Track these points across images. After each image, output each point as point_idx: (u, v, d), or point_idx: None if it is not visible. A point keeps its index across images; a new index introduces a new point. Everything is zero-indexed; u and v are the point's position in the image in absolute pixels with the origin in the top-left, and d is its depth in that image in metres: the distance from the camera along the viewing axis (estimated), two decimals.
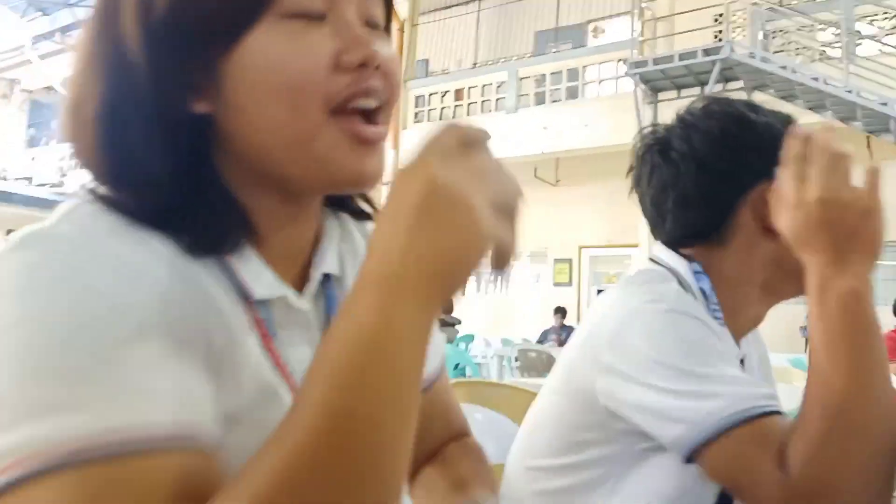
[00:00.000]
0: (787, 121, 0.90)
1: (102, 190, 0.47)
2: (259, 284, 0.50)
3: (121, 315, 0.40)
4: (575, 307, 9.95)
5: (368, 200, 0.62)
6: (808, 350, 1.19)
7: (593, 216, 9.53)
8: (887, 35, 7.93)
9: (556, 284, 10.27)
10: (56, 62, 15.01)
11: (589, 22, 11.39)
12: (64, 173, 15.01)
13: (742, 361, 0.96)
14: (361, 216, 0.62)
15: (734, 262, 0.90)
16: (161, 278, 0.43)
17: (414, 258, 0.39)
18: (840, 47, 7.14)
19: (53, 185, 14.67)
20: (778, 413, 0.77)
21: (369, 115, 0.49)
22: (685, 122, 0.94)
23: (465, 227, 0.40)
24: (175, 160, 0.47)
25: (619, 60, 8.16)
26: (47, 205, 13.56)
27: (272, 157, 0.48)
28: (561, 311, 8.99)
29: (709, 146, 0.90)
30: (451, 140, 0.42)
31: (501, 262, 0.42)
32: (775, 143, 0.81)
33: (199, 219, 0.47)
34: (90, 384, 0.38)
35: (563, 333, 8.66)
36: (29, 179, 14.79)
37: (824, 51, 7.91)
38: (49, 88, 16.52)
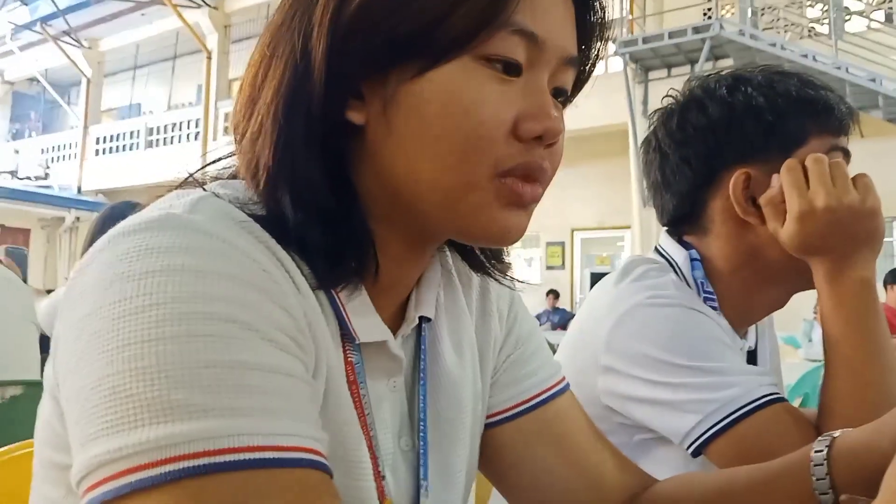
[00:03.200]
0: (772, 89, 0.85)
1: (230, 188, 0.46)
2: (362, 326, 0.49)
3: (265, 324, 0.39)
4: (568, 290, 9.96)
5: (495, 254, 0.60)
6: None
7: (585, 198, 9.52)
8: (875, 11, 7.90)
9: (549, 268, 10.28)
10: (37, 53, 14.82)
11: None
12: (47, 167, 14.87)
13: (754, 353, 0.95)
14: (477, 266, 0.60)
15: (719, 251, 0.88)
16: (291, 297, 0.42)
17: None
18: (828, 23, 7.12)
19: (38, 178, 14.54)
20: (785, 400, 0.77)
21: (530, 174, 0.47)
22: (662, 108, 0.94)
23: None
24: (323, 168, 0.45)
25: (609, 39, 8.13)
26: (32, 198, 13.46)
27: (415, 194, 0.46)
28: (553, 294, 9.00)
29: (665, 135, 0.91)
30: None
31: None
32: (735, 127, 0.84)
33: (331, 242, 0.45)
34: (228, 389, 0.36)
35: (555, 316, 8.68)
36: (13, 173, 14.64)
37: (813, 27, 7.89)
38: (31, 80, 16.33)
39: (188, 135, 13.04)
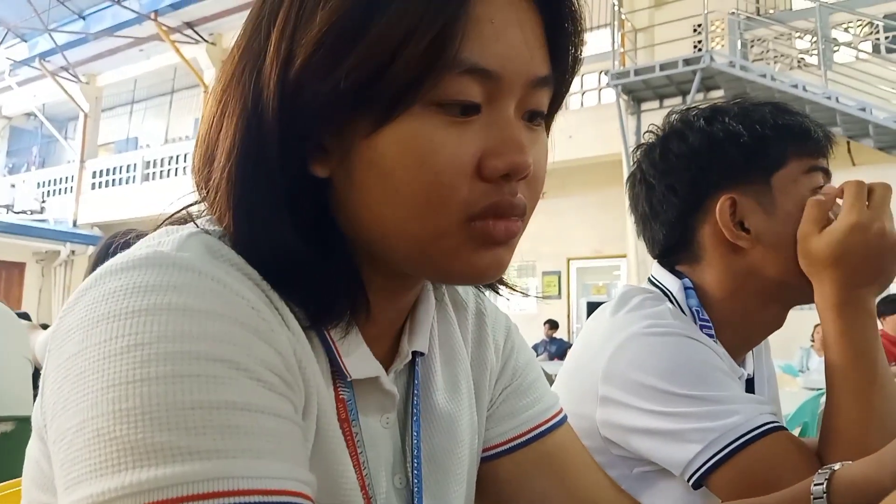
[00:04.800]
0: (752, 117, 0.87)
1: (217, 226, 0.45)
2: (354, 363, 0.48)
3: (253, 363, 0.38)
4: (565, 319, 9.93)
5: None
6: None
7: (580, 227, 9.54)
8: (862, 42, 8.03)
9: (545, 297, 10.25)
10: (35, 88, 14.92)
11: None
12: (43, 200, 14.87)
13: (751, 380, 0.94)
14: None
15: (713, 279, 0.88)
16: (280, 335, 0.41)
17: None
18: (817, 54, 7.22)
19: (33, 213, 14.53)
20: (785, 428, 0.77)
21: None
22: (644, 143, 0.96)
23: None
24: (296, 220, 0.44)
25: (601, 72, 8.22)
26: (27, 231, 13.44)
27: (385, 244, 0.45)
28: (550, 324, 8.96)
29: (649, 166, 0.93)
30: None
31: None
32: (716, 153, 0.86)
33: (319, 287, 0.44)
34: (214, 431, 0.36)
35: (553, 346, 8.63)
36: (8, 207, 14.63)
37: (802, 58, 8.00)
38: (29, 115, 16.41)
39: (184, 168, 13.08)
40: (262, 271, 0.43)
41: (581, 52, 0.49)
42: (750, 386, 0.94)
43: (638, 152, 0.96)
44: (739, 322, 0.88)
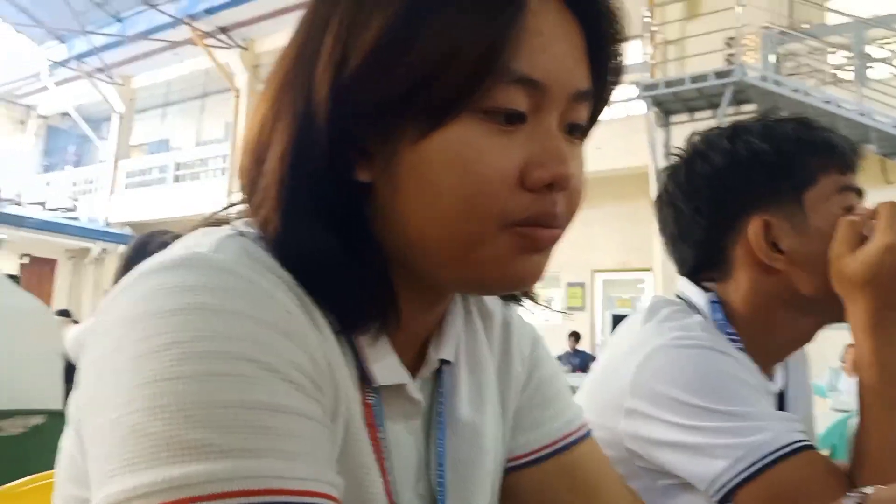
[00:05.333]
0: (778, 133, 0.86)
1: (253, 229, 0.46)
2: (381, 369, 0.48)
3: (285, 364, 0.39)
4: (588, 332, 9.86)
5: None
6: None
7: (606, 239, 9.48)
8: None
9: (570, 309, 10.19)
10: (72, 89, 15.24)
11: None
12: (76, 199, 15.15)
13: (782, 395, 0.92)
14: (507, 296, 0.59)
15: (741, 296, 0.87)
16: (312, 338, 0.42)
17: None
18: (852, 70, 7.11)
19: (66, 210, 14.81)
20: (814, 447, 0.76)
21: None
22: (669, 165, 0.95)
23: None
24: (337, 223, 0.45)
25: (631, 83, 8.18)
26: (60, 229, 13.70)
27: (425, 250, 0.46)
28: (574, 336, 8.91)
29: (675, 188, 0.92)
30: None
31: None
32: (740, 173, 0.85)
33: (352, 293, 0.45)
34: (245, 430, 0.36)
35: (576, 359, 8.57)
36: (42, 204, 14.94)
37: (836, 74, 7.88)
38: (64, 115, 16.76)
39: (215, 170, 13.26)
40: (297, 275, 0.43)
41: (620, 69, 0.50)
42: (781, 401, 0.93)
43: (663, 175, 0.95)
44: (767, 336, 0.87)
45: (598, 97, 0.49)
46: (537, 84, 0.44)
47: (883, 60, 7.50)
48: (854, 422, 0.77)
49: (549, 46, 0.44)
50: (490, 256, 0.45)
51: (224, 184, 12.43)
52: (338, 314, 0.45)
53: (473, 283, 0.47)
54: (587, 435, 0.65)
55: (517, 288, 0.48)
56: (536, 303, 0.58)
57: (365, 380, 0.48)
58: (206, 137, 15.41)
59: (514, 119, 0.44)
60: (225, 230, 0.45)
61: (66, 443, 0.47)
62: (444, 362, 0.55)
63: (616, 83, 0.50)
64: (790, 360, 0.95)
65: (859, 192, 0.85)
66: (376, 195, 0.46)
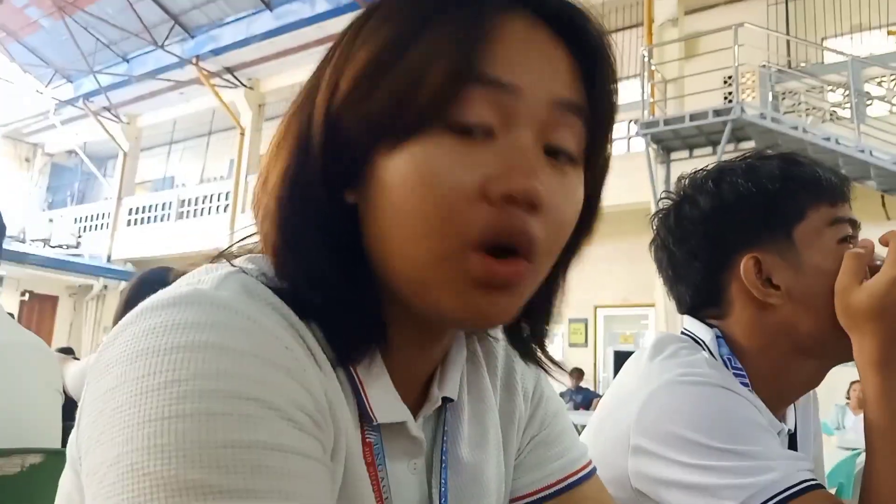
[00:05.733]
0: (768, 172, 0.87)
1: (257, 262, 0.47)
2: (381, 406, 0.48)
3: (285, 403, 0.39)
4: (591, 368, 9.78)
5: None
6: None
7: (609, 275, 9.46)
8: None
9: (572, 345, 10.14)
10: (78, 127, 15.42)
11: None
12: (79, 235, 15.21)
13: (793, 435, 0.91)
14: (527, 355, 0.57)
15: (743, 333, 0.87)
16: (313, 376, 0.42)
17: None
18: (849, 107, 7.18)
19: (69, 247, 14.85)
20: (822, 487, 0.74)
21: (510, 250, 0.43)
22: (660, 209, 0.97)
23: None
24: (330, 244, 0.45)
25: (631, 121, 8.26)
26: (62, 265, 13.72)
27: (393, 270, 0.46)
28: (577, 373, 8.83)
29: (667, 233, 0.94)
30: None
31: None
32: (728, 215, 0.86)
33: (347, 315, 0.45)
34: (245, 470, 0.36)
35: (578, 396, 8.49)
36: (45, 241, 14.99)
37: (834, 111, 7.96)
38: (70, 152, 16.94)
39: (218, 207, 13.33)
40: (295, 304, 0.44)
41: (615, 90, 0.48)
42: (793, 442, 0.92)
43: (654, 220, 0.97)
44: (774, 377, 0.86)
45: (594, 124, 0.47)
46: (506, 87, 0.43)
47: (880, 98, 7.58)
48: (861, 460, 0.76)
49: (523, 54, 0.44)
50: (448, 281, 0.43)
51: (227, 220, 12.48)
52: (333, 341, 0.45)
53: (434, 309, 0.45)
54: (591, 475, 0.64)
55: (477, 325, 0.47)
56: (551, 362, 0.57)
57: (365, 417, 0.48)
58: (210, 174, 15.52)
59: (480, 133, 0.43)
60: (226, 267, 0.46)
61: (65, 482, 0.47)
62: (446, 400, 0.54)
63: (613, 110, 0.48)
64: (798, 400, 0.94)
65: (853, 223, 0.85)
66: (360, 216, 0.46)
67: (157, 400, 0.36)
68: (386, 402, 0.48)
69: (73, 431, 0.44)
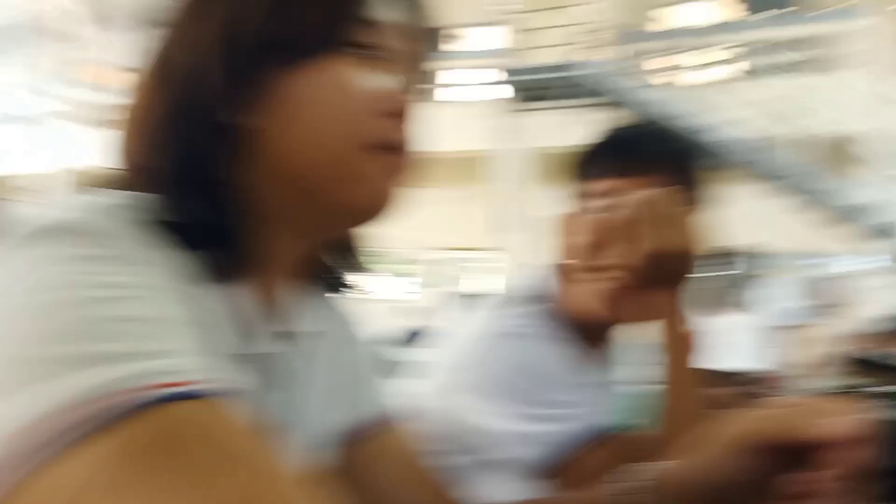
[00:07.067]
0: None
1: (129, 192, 0.47)
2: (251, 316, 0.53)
3: (161, 290, 0.41)
4: (422, 309, 9.96)
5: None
6: None
7: (441, 219, 9.60)
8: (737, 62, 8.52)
9: (405, 286, 10.25)
10: None
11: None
12: None
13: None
14: (335, 286, 0.63)
15: None
16: (185, 290, 0.44)
17: None
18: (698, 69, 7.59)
19: None
20: None
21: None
22: None
23: None
24: (215, 171, 0.49)
25: (487, 67, 8.27)
26: None
27: (306, 180, 0.51)
28: (408, 312, 8.93)
29: None
30: None
31: None
32: None
33: (228, 237, 0.49)
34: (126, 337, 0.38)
35: (406, 334, 8.60)
36: None
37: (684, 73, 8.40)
38: None
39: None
40: (171, 226, 0.46)
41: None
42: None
43: None
44: None
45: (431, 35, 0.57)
46: (385, 24, 0.52)
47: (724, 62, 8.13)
48: None
49: None
50: (347, 174, 0.51)
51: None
52: (205, 261, 0.47)
53: (335, 202, 0.52)
54: (394, 421, 0.67)
55: (378, 209, 0.53)
56: (352, 288, 0.63)
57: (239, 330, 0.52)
58: None
59: (373, 53, 0.52)
60: (96, 192, 0.47)
61: None
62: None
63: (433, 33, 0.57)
64: None
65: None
66: (261, 137, 0.50)
67: (27, 295, 0.38)
68: (246, 312, 0.53)
69: None
